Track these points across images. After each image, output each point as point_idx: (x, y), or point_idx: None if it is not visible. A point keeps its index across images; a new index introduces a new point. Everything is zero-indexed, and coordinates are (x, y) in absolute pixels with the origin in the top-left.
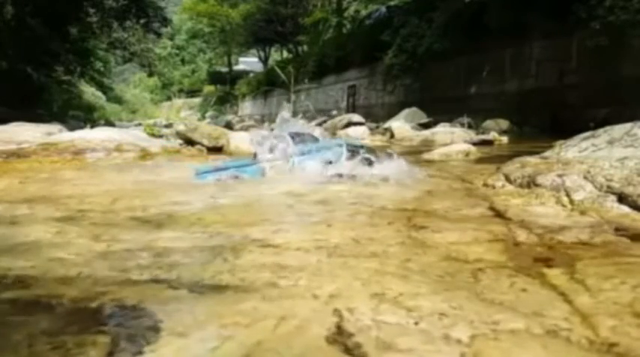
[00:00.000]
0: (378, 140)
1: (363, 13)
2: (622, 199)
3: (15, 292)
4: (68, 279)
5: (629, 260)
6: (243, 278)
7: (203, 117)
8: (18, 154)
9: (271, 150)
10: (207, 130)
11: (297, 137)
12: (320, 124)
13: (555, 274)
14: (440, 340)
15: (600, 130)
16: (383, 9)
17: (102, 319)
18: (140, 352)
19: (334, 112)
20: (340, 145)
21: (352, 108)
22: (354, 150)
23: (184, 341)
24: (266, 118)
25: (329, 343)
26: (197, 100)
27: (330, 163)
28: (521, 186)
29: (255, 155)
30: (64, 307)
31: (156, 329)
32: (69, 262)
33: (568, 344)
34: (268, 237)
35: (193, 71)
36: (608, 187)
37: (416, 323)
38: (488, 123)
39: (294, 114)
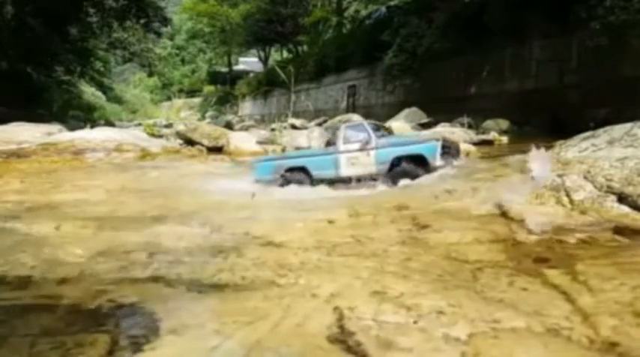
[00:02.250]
0: None
1: (363, 13)
2: (622, 199)
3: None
4: (68, 279)
5: (629, 260)
6: None
7: (203, 117)
8: (18, 154)
9: (346, 140)
10: (207, 130)
11: (376, 128)
12: (320, 124)
13: (555, 274)
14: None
15: (600, 130)
16: (383, 9)
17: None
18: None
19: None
20: (437, 140)
21: (352, 108)
22: (446, 144)
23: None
24: (266, 118)
25: None
26: (197, 100)
27: (423, 158)
28: None
29: (327, 144)
30: (63, 308)
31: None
32: (68, 261)
33: (568, 343)
34: None
35: (193, 71)
36: (608, 187)
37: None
38: (488, 123)
39: (294, 114)
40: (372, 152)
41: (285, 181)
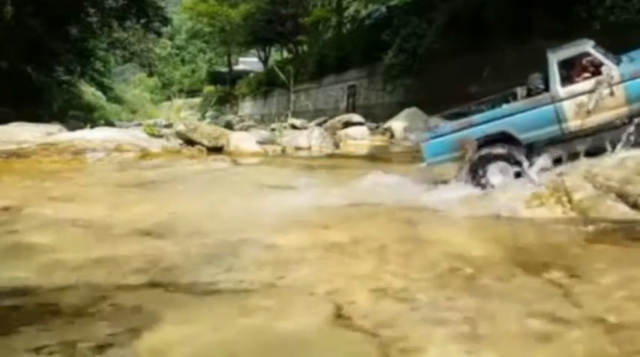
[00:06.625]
0: (377, 140)
1: (363, 13)
2: (621, 198)
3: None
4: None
5: (628, 258)
6: None
7: (203, 117)
8: (18, 154)
9: (566, 79)
10: (207, 130)
11: (606, 51)
12: (320, 124)
13: (553, 271)
14: None
15: None
16: (383, 9)
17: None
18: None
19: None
20: None
21: (352, 108)
22: None
23: None
24: (266, 118)
25: None
26: (197, 100)
27: None
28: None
29: (528, 92)
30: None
31: None
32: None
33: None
34: None
35: (193, 71)
36: (608, 186)
37: None
38: None
39: (294, 114)
40: (620, 87)
41: (481, 170)
